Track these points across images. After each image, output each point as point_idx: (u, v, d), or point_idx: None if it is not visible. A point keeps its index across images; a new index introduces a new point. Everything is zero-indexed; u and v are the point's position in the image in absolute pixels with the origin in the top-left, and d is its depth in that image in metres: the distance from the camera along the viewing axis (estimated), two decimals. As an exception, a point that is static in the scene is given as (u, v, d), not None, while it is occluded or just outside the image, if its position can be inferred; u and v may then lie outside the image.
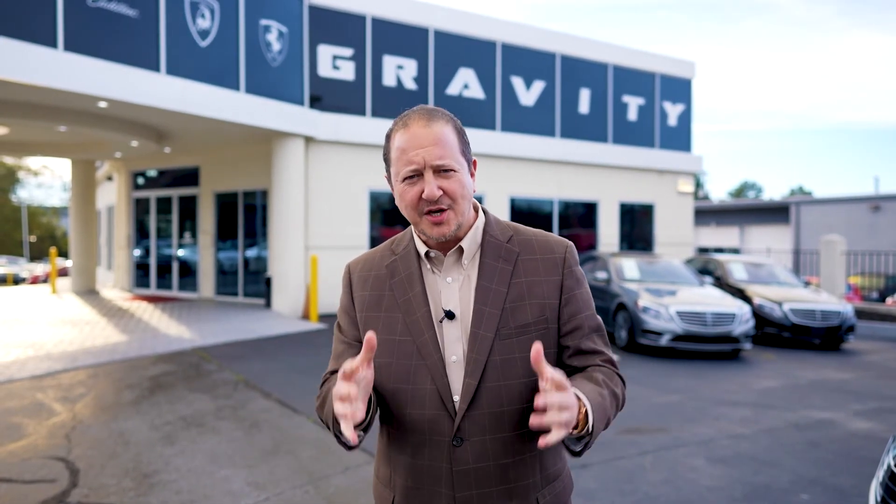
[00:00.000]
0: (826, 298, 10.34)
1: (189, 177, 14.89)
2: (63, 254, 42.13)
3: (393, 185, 1.31)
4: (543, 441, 1.03)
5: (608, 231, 16.58)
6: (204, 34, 10.17)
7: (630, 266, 10.41)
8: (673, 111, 17.80)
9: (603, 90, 16.38)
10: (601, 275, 10.21)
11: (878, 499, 2.33)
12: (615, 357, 1.33)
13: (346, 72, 12.66)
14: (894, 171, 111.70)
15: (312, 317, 11.09)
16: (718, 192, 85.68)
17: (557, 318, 1.30)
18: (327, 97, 12.45)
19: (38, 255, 46.16)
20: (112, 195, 18.25)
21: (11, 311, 12.09)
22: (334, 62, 12.51)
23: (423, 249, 1.33)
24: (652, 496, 3.86)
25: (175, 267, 15.31)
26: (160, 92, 9.35)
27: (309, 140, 12.18)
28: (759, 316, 9.96)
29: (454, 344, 1.27)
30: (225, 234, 14.32)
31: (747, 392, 6.67)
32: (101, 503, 3.66)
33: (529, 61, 15.09)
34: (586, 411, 1.13)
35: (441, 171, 1.24)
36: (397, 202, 1.30)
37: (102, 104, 9.40)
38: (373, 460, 2.72)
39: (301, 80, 12.03)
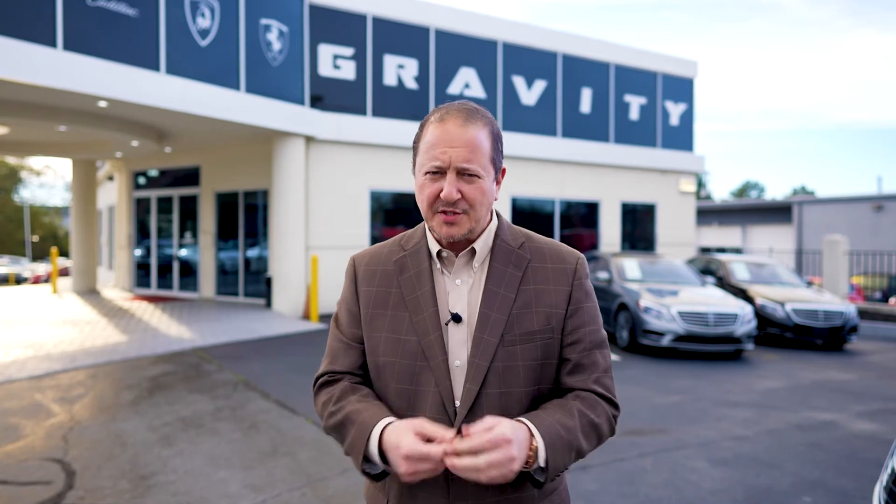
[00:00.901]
0: (829, 299, 10.29)
1: (190, 176, 14.88)
2: (65, 254, 42.18)
3: (416, 174, 1.30)
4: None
5: (610, 231, 16.53)
6: (204, 33, 10.16)
7: (632, 266, 10.37)
8: (675, 111, 17.75)
9: (605, 89, 16.34)
10: (603, 275, 10.17)
11: (882, 503, 2.30)
12: (610, 383, 1.30)
13: (347, 71, 12.63)
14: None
15: (313, 317, 11.07)
16: (721, 192, 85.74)
17: (562, 329, 1.28)
18: (328, 97, 12.43)
19: (40, 254, 46.19)
20: (113, 195, 18.26)
21: (12, 310, 12.09)
22: (335, 61, 12.49)
23: (435, 248, 1.31)
24: (653, 498, 3.83)
25: (176, 267, 15.30)
26: (160, 91, 9.34)
27: (310, 140, 12.16)
28: (761, 316, 9.91)
29: (459, 348, 1.25)
30: (225, 233, 14.31)
31: (749, 393, 6.64)
32: (97, 505, 3.63)
33: (531, 61, 15.06)
34: (536, 447, 1.13)
35: (465, 174, 1.22)
36: (416, 193, 1.29)
37: (102, 104, 9.39)
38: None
39: (301, 79, 12.00)
